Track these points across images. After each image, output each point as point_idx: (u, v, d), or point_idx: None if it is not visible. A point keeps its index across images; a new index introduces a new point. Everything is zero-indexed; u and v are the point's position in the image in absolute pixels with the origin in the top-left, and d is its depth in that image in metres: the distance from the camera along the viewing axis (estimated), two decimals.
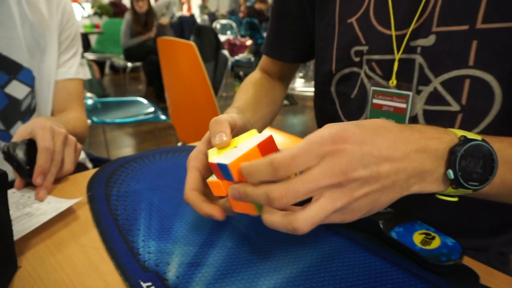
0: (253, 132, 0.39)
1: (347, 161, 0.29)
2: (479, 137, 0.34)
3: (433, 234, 0.39)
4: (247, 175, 0.31)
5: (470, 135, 0.34)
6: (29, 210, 0.46)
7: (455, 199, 0.35)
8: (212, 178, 0.35)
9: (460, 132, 0.34)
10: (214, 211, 0.37)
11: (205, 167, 0.41)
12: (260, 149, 0.34)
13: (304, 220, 0.30)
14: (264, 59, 0.73)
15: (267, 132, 0.37)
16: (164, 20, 4.14)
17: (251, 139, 0.36)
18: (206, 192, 0.39)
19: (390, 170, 0.31)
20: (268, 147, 0.34)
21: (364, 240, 0.41)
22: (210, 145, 0.41)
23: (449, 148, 0.33)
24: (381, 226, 0.40)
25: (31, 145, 0.53)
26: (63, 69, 0.79)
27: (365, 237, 0.42)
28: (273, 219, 0.31)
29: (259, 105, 0.61)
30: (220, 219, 0.37)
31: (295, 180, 0.30)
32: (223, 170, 0.33)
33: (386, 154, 0.30)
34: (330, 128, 0.30)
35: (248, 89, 0.64)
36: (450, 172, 0.32)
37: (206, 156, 0.40)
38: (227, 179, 0.34)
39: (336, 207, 0.30)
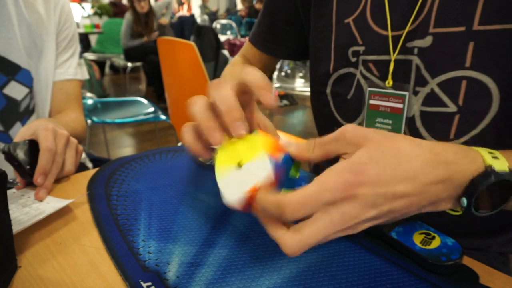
0: (259, 137, 0.34)
1: (358, 207, 0.28)
2: (506, 167, 0.31)
3: (433, 234, 0.39)
4: (258, 203, 0.31)
5: (498, 164, 0.31)
6: (28, 210, 0.46)
7: (459, 213, 0.34)
8: None
9: (489, 159, 0.31)
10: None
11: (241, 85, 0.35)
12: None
13: (297, 241, 0.29)
14: (248, 48, 0.72)
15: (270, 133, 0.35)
16: (164, 20, 4.14)
17: (256, 162, 0.32)
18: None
19: (403, 206, 0.29)
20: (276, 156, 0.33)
21: (364, 240, 0.41)
22: (238, 92, 0.35)
23: (471, 178, 0.30)
24: (381, 226, 0.40)
25: (32, 146, 0.53)
26: (61, 70, 0.79)
27: (365, 237, 0.42)
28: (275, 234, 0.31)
29: None
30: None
31: (306, 233, 0.29)
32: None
33: (401, 193, 0.29)
34: (343, 172, 0.28)
35: (235, 69, 0.65)
36: (464, 201, 0.31)
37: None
38: None
39: (337, 236, 0.30)
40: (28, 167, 0.51)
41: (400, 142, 0.30)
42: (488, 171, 0.30)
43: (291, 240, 0.29)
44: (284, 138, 0.36)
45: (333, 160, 0.33)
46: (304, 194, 0.28)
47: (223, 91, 0.34)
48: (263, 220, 0.32)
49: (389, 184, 0.28)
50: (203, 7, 8.01)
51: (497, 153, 0.32)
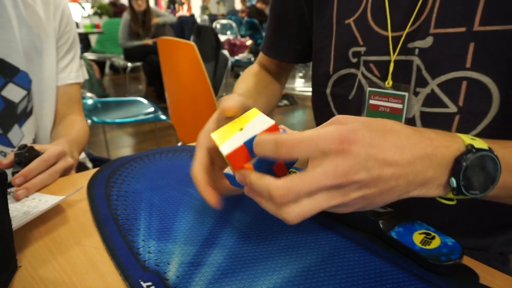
0: (255, 111, 0.37)
1: (350, 163, 0.29)
2: (486, 146, 0.33)
3: (433, 234, 0.39)
4: (255, 144, 0.32)
5: (477, 143, 0.33)
6: (26, 209, 0.46)
7: (454, 202, 0.35)
8: (228, 171, 0.37)
9: (468, 140, 0.34)
10: (211, 200, 0.39)
11: (214, 146, 0.40)
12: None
13: (296, 214, 0.30)
14: (262, 55, 0.73)
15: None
16: (156, 19, 4.10)
17: (255, 120, 0.36)
18: (213, 169, 0.42)
19: (391, 176, 0.30)
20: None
21: (364, 240, 0.41)
22: (219, 124, 0.41)
23: (455, 157, 0.32)
24: (381, 226, 0.40)
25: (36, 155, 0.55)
26: (63, 75, 0.80)
27: (365, 237, 0.42)
28: (266, 204, 0.32)
29: (260, 93, 0.62)
30: (214, 207, 0.39)
31: (297, 180, 0.29)
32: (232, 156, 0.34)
33: (390, 160, 0.30)
34: (340, 127, 0.30)
35: (249, 79, 0.65)
36: (453, 180, 0.32)
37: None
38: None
39: (330, 205, 0.30)
40: (20, 168, 0.52)
41: (386, 120, 0.33)
42: (469, 148, 0.32)
43: (282, 183, 0.30)
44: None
45: None
46: (301, 136, 0.30)
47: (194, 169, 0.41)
48: (251, 176, 0.33)
49: (379, 147, 0.30)
50: (204, 8, 8.01)
51: (474, 137, 0.35)
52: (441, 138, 0.33)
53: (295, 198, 0.30)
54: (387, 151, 0.30)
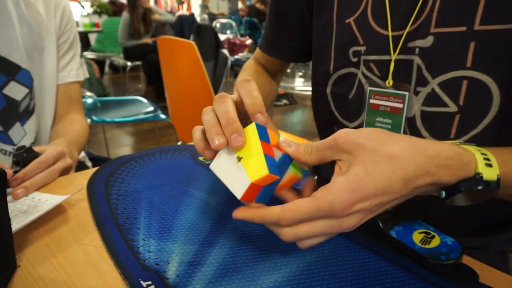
0: (252, 129, 0.35)
1: (357, 219, 0.31)
2: (495, 176, 0.32)
3: (432, 233, 0.39)
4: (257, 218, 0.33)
5: (489, 173, 0.31)
6: (26, 209, 0.46)
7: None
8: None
9: (482, 166, 0.32)
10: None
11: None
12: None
13: (293, 235, 0.32)
14: (259, 52, 0.73)
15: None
16: (156, 16, 4.10)
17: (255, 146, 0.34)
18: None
19: (395, 202, 0.32)
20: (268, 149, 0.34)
21: (364, 239, 0.41)
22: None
23: (456, 180, 0.32)
24: (381, 225, 0.40)
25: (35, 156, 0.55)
26: (63, 73, 0.80)
27: (364, 236, 0.42)
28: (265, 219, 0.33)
29: (260, 87, 0.62)
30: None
31: (304, 228, 0.31)
32: None
33: (397, 193, 0.31)
34: (341, 194, 0.30)
35: (251, 71, 0.65)
36: (443, 193, 0.33)
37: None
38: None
39: (327, 232, 0.32)
40: (18, 168, 0.52)
41: (393, 146, 0.31)
42: (476, 178, 0.31)
43: (289, 232, 0.32)
44: (284, 137, 0.37)
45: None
46: (301, 211, 0.31)
47: (223, 105, 0.36)
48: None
49: (385, 192, 0.30)
50: (203, 6, 8.00)
51: (492, 158, 0.33)
52: (453, 165, 0.31)
53: (298, 238, 0.32)
54: (391, 192, 0.31)
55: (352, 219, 0.31)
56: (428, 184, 0.31)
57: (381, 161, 0.30)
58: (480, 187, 0.31)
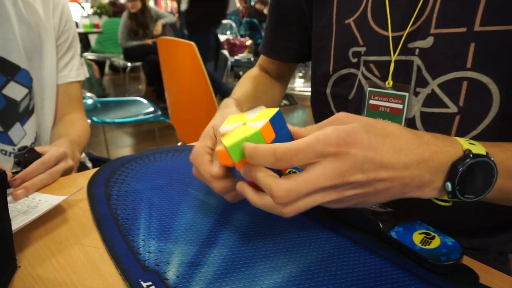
0: (262, 110, 0.38)
1: (348, 165, 0.30)
2: (484, 151, 0.33)
3: (432, 233, 0.39)
4: (250, 157, 0.32)
5: (475, 148, 0.33)
6: (26, 209, 0.46)
7: (449, 204, 0.36)
8: (220, 148, 0.36)
9: (466, 144, 0.34)
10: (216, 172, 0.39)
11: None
12: (265, 131, 0.33)
13: (292, 210, 0.31)
14: (262, 57, 0.73)
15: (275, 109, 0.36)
16: (158, 28, 4.05)
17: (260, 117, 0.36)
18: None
19: (386, 178, 0.31)
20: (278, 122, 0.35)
21: (364, 239, 0.41)
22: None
23: (452, 162, 0.33)
24: (381, 225, 0.40)
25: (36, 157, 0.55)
26: (63, 73, 0.80)
27: (365, 236, 0.42)
28: (264, 202, 0.33)
29: (257, 97, 0.62)
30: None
31: (298, 181, 0.30)
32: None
33: (387, 163, 0.31)
34: (338, 128, 0.30)
35: (247, 83, 0.65)
36: (449, 185, 0.33)
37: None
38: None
39: (325, 201, 0.32)
40: (19, 169, 0.52)
41: (387, 122, 0.33)
42: (467, 153, 0.33)
43: (283, 184, 0.30)
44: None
45: None
46: (299, 144, 0.30)
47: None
48: (256, 173, 0.33)
49: (377, 150, 0.30)
50: None
51: (473, 141, 0.35)
52: (440, 143, 0.33)
53: (296, 198, 0.31)
54: (384, 154, 0.31)
55: (344, 162, 0.30)
56: (422, 160, 0.31)
57: (377, 126, 0.32)
58: (475, 160, 0.32)
